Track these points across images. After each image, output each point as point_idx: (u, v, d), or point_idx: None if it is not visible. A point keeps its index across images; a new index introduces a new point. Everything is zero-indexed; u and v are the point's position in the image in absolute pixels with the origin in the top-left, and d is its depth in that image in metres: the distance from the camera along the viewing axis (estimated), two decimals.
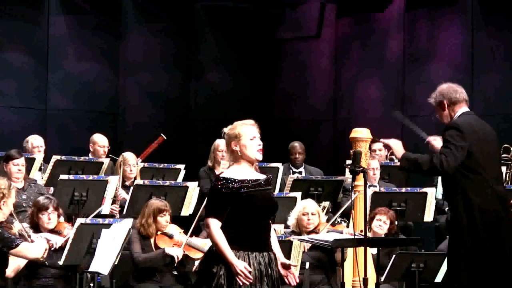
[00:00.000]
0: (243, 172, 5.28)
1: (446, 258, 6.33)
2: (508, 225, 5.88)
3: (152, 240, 7.73)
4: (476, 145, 5.84)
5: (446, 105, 6.04)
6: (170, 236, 7.78)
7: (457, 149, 5.78)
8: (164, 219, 7.75)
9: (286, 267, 5.38)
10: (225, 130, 5.38)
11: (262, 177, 5.36)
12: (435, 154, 5.90)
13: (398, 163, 6.29)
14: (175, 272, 7.75)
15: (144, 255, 7.61)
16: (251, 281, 5.13)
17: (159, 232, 7.77)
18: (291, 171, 10.23)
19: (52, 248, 7.08)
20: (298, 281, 5.50)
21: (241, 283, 5.12)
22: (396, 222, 8.44)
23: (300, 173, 10.20)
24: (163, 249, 7.63)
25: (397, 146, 6.12)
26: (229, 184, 5.21)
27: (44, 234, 7.14)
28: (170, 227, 7.84)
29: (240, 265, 5.12)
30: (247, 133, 5.28)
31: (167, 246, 7.67)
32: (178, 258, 7.59)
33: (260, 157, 5.30)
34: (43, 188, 8.72)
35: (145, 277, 7.61)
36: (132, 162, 8.99)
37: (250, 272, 5.13)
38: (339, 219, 8.67)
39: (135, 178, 9.03)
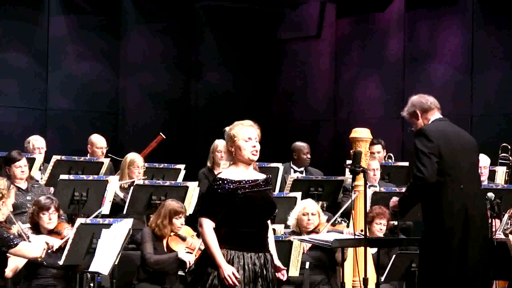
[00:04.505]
0: (240, 172, 5.28)
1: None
2: (478, 226, 5.89)
3: (164, 241, 7.71)
4: (445, 148, 5.87)
5: (419, 115, 6.10)
6: (183, 239, 7.76)
7: (428, 155, 5.82)
8: (179, 221, 7.72)
9: (278, 270, 5.39)
10: (226, 129, 5.38)
11: (261, 177, 5.36)
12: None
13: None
14: (182, 273, 7.72)
15: (156, 257, 7.57)
16: (237, 284, 5.13)
17: (172, 233, 7.75)
18: (292, 170, 10.21)
19: (50, 251, 7.07)
20: (286, 276, 5.51)
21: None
22: (396, 222, 8.45)
23: (301, 172, 10.19)
24: (176, 253, 7.60)
25: (393, 203, 6.17)
26: (225, 185, 5.21)
27: (42, 237, 7.13)
28: (184, 230, 7.82)
29: (228, 269, 5.13)
30: (243, 134, 5.28)
31: (179, 248, 7.65)
32: (190, 263, 7.54)
33: (254, 158, 5.30)
34: (45, 188, 8.72)
35: (153, 278, 7.59)
36: (140, 165, 8.94)
37: (237, 278, 5.13)
38: (339, 219, 8.67)
39: None
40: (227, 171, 5.33)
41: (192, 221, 7.98)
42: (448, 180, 5.84)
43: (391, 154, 10.54)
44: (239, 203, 5.20)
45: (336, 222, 8.51)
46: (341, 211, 8.45)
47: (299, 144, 10.36)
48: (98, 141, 9.91)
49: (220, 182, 5.23)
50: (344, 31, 13.08)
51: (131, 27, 12.86)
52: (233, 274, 5.12)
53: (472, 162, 6.08)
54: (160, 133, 10.23)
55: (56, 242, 7.11)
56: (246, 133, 5.28)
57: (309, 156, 10.25)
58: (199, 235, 7.64)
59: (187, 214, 8.52)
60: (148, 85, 12.89)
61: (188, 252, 7.67)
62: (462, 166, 5.92)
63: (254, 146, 5.28)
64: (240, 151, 5.27)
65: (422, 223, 9.02)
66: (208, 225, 5.21)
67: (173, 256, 7.59)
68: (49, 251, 7.01)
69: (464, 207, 5.84)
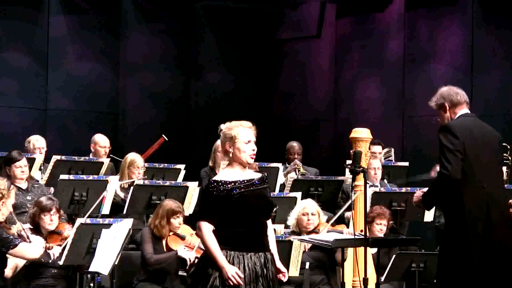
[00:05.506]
0: (236, 173, 5.29)
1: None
2: (500, 230, 5.81)
3: (164, 241, 7.73)
4: (470, 145, 5.79)
5: (447, 108, 6.01)
6: (182, 238, 7.78)
7: (453, 152, 5.75)
8: (177, 221, 7.75)
9: (279, 272, 5.39)
10: (222, 127, 5.37)
11: (257, 176, 5.36)
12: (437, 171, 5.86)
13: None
14: (184, 273, 7.73)
15: (156, 257, 7.59)
16: (241, 284, 5.14)
17: (171, 233, 7.77)
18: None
19: (50, 261, 7.06)
20: (287, 278, 5.50)
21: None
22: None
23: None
24: (175, 251, 7.62)
25: (417, 198, 6.09)
26: (220, 186, 5.21)
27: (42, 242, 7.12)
28: (182, 229, 7.85)
29: (231, 270, 5.13)
30: (243, 136, 5.28)
31: (178, 247, 7.67)
32: (190, 260, 7.58)
33: (251, 161, 5.31)
34: (46, 188, 8.72)
35: (154, 278, 7.59)
36: (141, 165, 8.95)
37: (241, 277, 5.13)
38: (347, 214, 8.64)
39: None
40: (222, 173, 5.34)
41: (193, 221, 7.97)
42: (470, 178, 5.75)
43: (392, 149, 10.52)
44: (235, 203, 5.20)
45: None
46: (340, 211, 8.46)
47: (288, 144, 10.40)
48: (102, 140, 9.93)
49: (215, 184, 5.23)
50: (344, 31, 13.08)
51: (131, 27, 12.85)
52: (237, 273, 5.12)
53: (496, 161, 6.01)
54: (163, 135, 10.23)
55: (56, 250, 7.10)
56: (246, 135, 5.29)
57: (297, 156, 10.23)
58: (199, 237, 7.68)
59: (188, 214, 8.53)
60: (148, 85, 12.89)
61: (186, 247, 7.70)
62: (485, 165, 5.83)
63: (254, 150, 5.29)
64: (239, 153, 5.27)
65: (421, 223, 9.09)
66: (206, 227, 5.21)
67: (173, 255, 7.61)
68: (50, 261, 7.02)
69: (486, 205, 5.76)
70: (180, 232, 7.82)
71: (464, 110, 6.01)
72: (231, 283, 5.12)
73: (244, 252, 5.21)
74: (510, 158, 9.37)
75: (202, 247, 7.50)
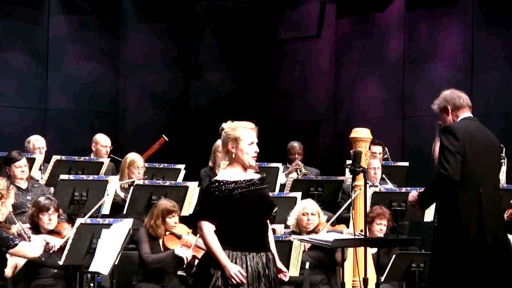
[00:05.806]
0: (236, 173, 5.30)
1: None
2: (493, 234, 5.82)
3: (160, 241, 7.75)
4: (470, 149, 5.81)
5: (450, 111, 6.03)
6: (179, 237, 7.80)
7: (453, 154, 5.77)
8: (172, 220, 7.77)
9: (279, 272, 5.40)
10: (224, 126, 5.37)
11: (256, 176, 5.37)
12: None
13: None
14: (183, 273, 7.75)
15: (153, 256, 7.60)
16: (244, 282, 5.14)
17: (167, 233, 7.78)
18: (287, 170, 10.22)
19: (51, 251, 7.07)
20: (288, 277, 5.51)
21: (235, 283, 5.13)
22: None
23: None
24: (172, 250, 7.64)
25: (413, 197, 6.09)
26: (222, 186, 5.22)
27: (43, 236, 7.14)
28: (179, 228, 7.86)
29: (233, 268, 5.13)
30: (247, 138, 5.28)
31: (175, 247, 7.68)
32: (187, 259, 7.59)
33: (253, 163, 5.32)
34: (46, 188, 8.73)
35: (152, 277, 7.60)
36: (141, 165, 8.95)
37: (243, 276, 5.13)
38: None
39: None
40: (223, 173, 5.35)
41: (193, 221, 7.98)
42: (467, 181, 5.77)
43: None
44: (236, 203, 5.21)
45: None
46: (340, 211, 8.46)
47: (289, 144, 10.42)
48: (103, 140, 9.94)
49: (217, 184, 5.24)
50: (344, 31, 13.08)
51: (131, 27, 12.86)
52: (239, 272, 5.12)
53: (495, 165, 6.04)
54: (163, 136, 10.23)
55: (57, 242, 7.11)
56: (250, 137, 5.30)
57: (296, 156, 10.24)
58: (198, 235, 7.69)
59: (188, 214, 8.54)
60: (148, 85, 12.89)
61: (183, 246, 7.70)
62: (484, 168, 5.85)
63: (256, 152, 5.30)
64: (242, 154, 5.28)
65: (420, 223, 9.09)
66: (208, 227, 5.22)
67: (170, 254, 7.62)
68: (50, 251, 7.02)
69: (480, 209, 5.76)
70: (177, 231, 7.83)
71: (466, 113, 6.03)
72: (234, 282, 5.12)
73: (246, 252, 5.22)
74: (506, 158, 9.38)
75: (199, 245, 7.58)
